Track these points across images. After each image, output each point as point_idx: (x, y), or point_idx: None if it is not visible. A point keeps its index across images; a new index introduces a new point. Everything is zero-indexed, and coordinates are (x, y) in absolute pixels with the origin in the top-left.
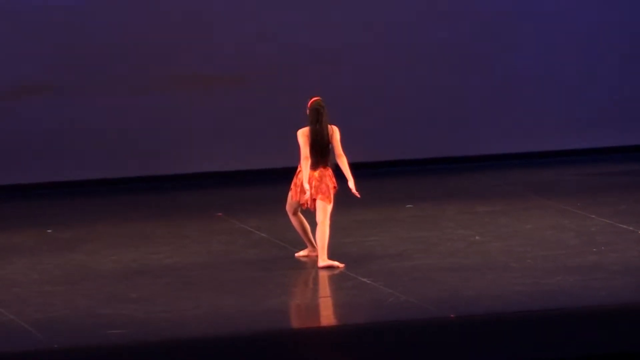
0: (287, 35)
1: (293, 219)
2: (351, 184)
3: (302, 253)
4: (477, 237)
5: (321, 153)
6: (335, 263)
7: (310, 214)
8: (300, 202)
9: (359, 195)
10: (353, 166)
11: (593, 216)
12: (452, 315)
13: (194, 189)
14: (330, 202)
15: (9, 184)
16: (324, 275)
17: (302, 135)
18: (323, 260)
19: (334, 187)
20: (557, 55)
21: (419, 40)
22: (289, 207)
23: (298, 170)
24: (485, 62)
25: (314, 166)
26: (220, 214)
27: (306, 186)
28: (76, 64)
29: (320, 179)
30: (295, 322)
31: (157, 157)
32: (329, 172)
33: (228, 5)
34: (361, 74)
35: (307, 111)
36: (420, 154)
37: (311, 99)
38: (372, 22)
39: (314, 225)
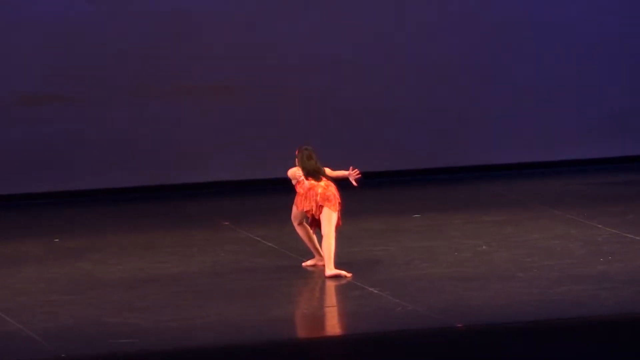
0: (293, 45)
1: (298, 229)
2: (347, 172)
3: (309, 262)
4: (483, 247)
5: (319, 178)
6: (343, 272)
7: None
8: (305, 210)
9: (359, 174)
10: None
11: (599, 226)
12: (459, 325)
13: (200, 198)
14: (335, 211)
15: (16, 193)
16: (330, 284)
17: (293, 168)
18: (330, 270)
19: (339, 203)
20: (562, 65)
21: (426, 50)
22: (294, 218)
23: (301, 179)
24: (492, 72)
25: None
26: (226, 222)
27: (297, 173)
28: (85, 74)
29: (327, 187)
30: (302, 332)
31: (163, 166)
32: (333, 185)
33: (234, 16)
34: (367, 84)
35: (296, 154)
36: (427, 164)
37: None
38: (377, 32)
39: (320, 237)
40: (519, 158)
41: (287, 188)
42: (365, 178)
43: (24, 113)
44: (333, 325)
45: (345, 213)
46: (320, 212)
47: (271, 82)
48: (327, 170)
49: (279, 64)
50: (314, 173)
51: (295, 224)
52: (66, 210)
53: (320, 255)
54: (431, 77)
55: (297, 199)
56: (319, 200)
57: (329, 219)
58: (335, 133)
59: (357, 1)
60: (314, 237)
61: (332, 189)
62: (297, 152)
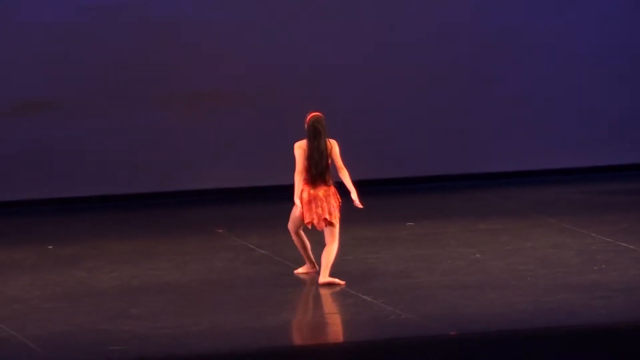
0: (289, 53)
1: (295, 237)
2: (354, 195)
3: (301, 270)
4: (478, 255)
5: (320, 170)
6: (336, 280)
7: (313, 232)
8: (305, 222)
9: (361, 206)
10: (354, 183)
11: (594, 234)
12: (452, 333)
13: (195, 206)
14: (337, 223)
15: (10, 200)
16: (324, 292)
17: (299, 149)
18: (324, 278)
19: (339, 203)
20: (559, 73)
21: (421, 58)
22: (291, 225)
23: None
24: (487, 80)
25: (315, 184)
26: (221, 230)
27: (297, 201)
28: (78, 81)
29: (326, 198)
30: (296, 340)
31: (158, 173)
32: (333, 189)
33: (230, 24)
34: (363, 91)
35: (305, 126)
36: (422, 172)
37: (310, 113)
38: (375, 40)
39: (316, 243)
40: (514, 166)
41: (282, 196)
42: (361, 186)
43: (19, 120)
44: (326, 333)
45: (340, 221)
46: (322, 225)
47: (267, 89)
48: (335, 154)
49: (274, 71)
50: (319, 164)
51: (292, 231)
52: (60, 218)
53: (312, 263)
54: (427, 85)
55: (293, 212)
56: (321, 213)
57: (333, 233)
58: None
59: (356, 9)
60: (309, 246)
61: (331, 198)
62: (306, 120)
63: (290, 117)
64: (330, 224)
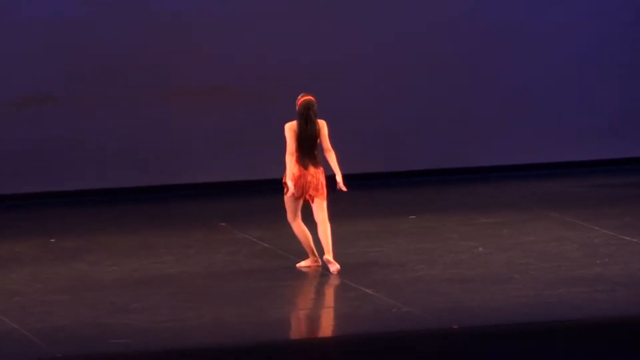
0: (289, 47)
1: (295, 226)
2: (339, 178)
3: (303, 263)
4: (480, 249)
5: (310, 151)
6: (336, 267)
7: (313, 226)
8: (296, 197)
9: (345, 189)
10: (354, 177)
11: (596, 228)
12: (454, 326)
13: (196, 199)
14: (325, 199)
15: (12, 193)
16: (326, 285)
17: (290, 130)
18: (329, 254)
19: (325, 183)
20: (560, 67)
21: (422, 52)
22: (290, 214)
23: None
24: (488, 74)
25: (305, 165)
26: (223, 224)
27: (289, 183)
28: (79, 75)
29: (314, 175)
30: (298, 333)
31: (159, 167)
32: (321, 169)
33: (230, 19)
34: (363, 86)
35: (297, 108)
36: (423, 165)
37: (302, 95)
38: (374, 35)
39: (313, 232)
40: (516, 160)
41: (284, 189)
42: (361, 180)
43: (21, 114)
44: (328, 327)
45: (341, 215)
46: (311, 199)
47: (268, 84)
48: (323, 135)
49: (274, 66)
50: (308, 146)
51: (291, 221)
52: (62, 211)
53: (315, 256)
54: (428, 79)
55: (286, 198)
56: (307, 190)
57: (322, 207)
58: (329, 135)
59: (356, 7)
60: (310, 238)
61: (320, 176)
62: (298, 102)
63: (291, 110)
64: (317, 197)
